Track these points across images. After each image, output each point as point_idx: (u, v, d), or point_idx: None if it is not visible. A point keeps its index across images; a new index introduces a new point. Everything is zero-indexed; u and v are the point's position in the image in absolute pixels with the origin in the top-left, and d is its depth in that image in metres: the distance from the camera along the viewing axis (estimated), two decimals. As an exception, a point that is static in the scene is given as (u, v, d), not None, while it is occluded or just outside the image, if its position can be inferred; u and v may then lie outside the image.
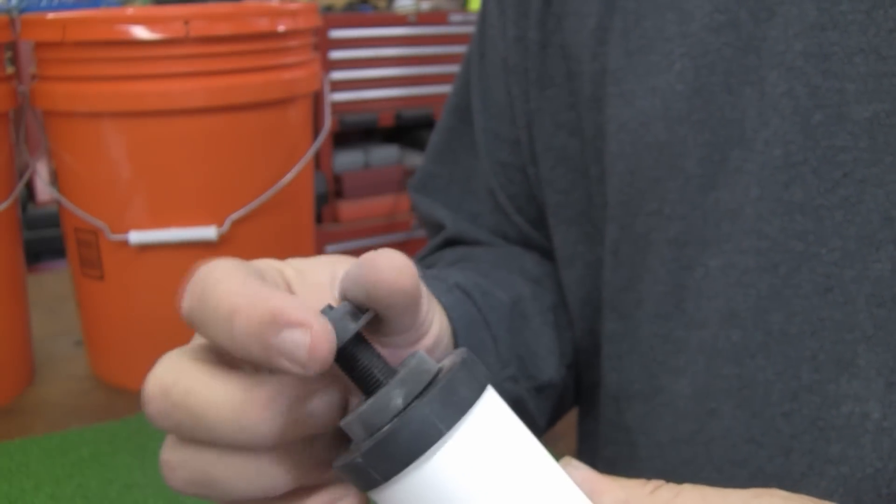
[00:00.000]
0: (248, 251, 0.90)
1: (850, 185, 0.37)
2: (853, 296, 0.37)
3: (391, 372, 0.28)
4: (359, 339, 0.28)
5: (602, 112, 0.45)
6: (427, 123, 2.36)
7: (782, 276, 0.39)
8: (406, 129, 2.37)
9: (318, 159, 2.15)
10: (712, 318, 0.41)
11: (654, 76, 0.42)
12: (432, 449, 0.26)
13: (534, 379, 0.50)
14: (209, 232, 0.86)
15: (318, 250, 2.26)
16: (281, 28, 0.87)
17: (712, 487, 0.29)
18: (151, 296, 0.89)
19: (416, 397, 0.27)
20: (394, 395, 0.27)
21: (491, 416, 0.28)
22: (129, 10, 1.01)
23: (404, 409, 0.27)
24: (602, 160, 0.46)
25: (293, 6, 0.90)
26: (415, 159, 2.33)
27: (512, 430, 0.28)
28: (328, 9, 2.35)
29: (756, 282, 0.40)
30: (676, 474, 0.43)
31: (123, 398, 0.90)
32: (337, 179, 2.23)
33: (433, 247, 0.59)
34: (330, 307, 0.28)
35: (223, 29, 0.84)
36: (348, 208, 2.23)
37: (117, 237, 0.86)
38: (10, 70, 0.89)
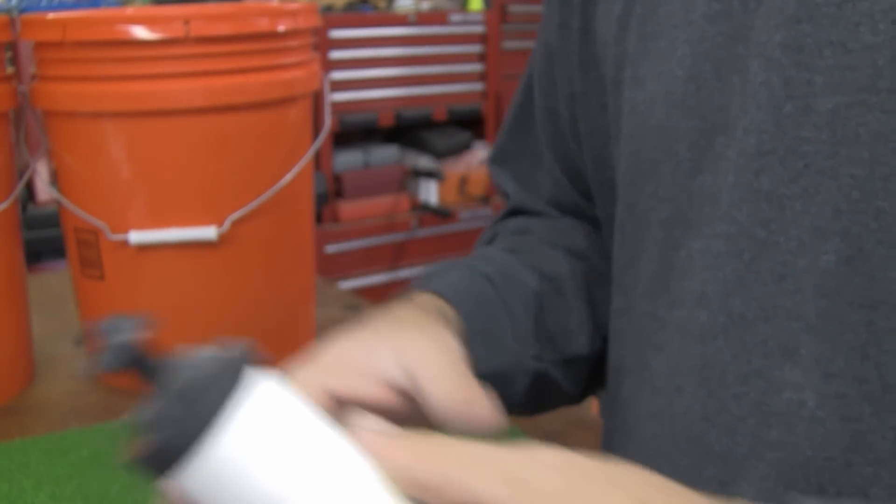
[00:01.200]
0: (248, 251, 0.91)
1: (810, 175, 0.38)
2: (802, 285, 0.39)
3: (168, 377, 0.32)
4: (141, 352, 0.33)
5: (621, 95, 0.47)
6: (427, 123, 2.36)
7: (745, 261, 0.40)
8: (406, 129, 2.37)
9: (318, 159, 2.15)
10: (688, 299, 0.43)
11: (661, 61, 0.44)
12: (191, 448, 0.30)
13: (562, 353, 0.53)
14: (209, 232, 0.86)
15: (318, 250, 2.26)
16: (281, 28, 0.87)
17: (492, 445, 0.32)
18: (151, 296, 0.89)
19: (173, 400, 0.31)
20: (160, 398, 0.31)
21: (253, 412, 0.31)
22: (129, 10, 1.01)
23: (161, 410, 0.31)
24: (619, 141, 0.48)
25: (293, 6, 0.90)
26: (415, 159, 2.33)
27: (284, 418, 0.31)
28: (328, 9, 2.35)
29: (724, 265, 0.41)
30: (645, 447, 0.46)
31: (123, 398, 0.90)
32: (337, 179, 2.23)
33: (501, 216, 0.65)
34: (116, 322, 0.32)
35: (223, 29, 0.84)
36: (348, 208, 2.23)
37: (117, 237, 0.86)
38: (10, 70, 0.89)
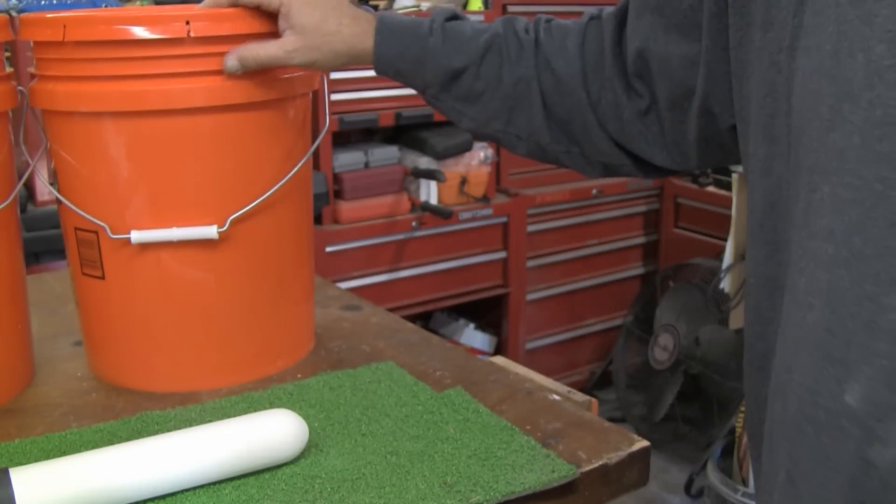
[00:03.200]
0: (248, 250, 0.90)
1: None
2: None
3: None
4: None
5: (795, 59, 0.56)
6: (427, 123, 2.35)
7: (866, 208, 0.50)
8: (406, 129, 2.37)
9: (317, 159, 2.15)
10: (819, 233, 0.53)
11: (819, 36, 0.54)
12: None
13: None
14: (210, 231, 0.86)
15: (318, 250, 2.25)
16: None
17: None
18: (152, 295, 0.89)
19: None
20: None
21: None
22: (130, 10, 1.00)
23: None
24: (790, 98, 0.57)
25: (293, 6, 0.90)
26: (415, 159, 2.33)
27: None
28: (328, 9, 2.34)
29: (848, 210, 0.51)
30: (788, 350, 0.56)
31: (123, 398, 0.90)
32: (337, 179, 2.23)
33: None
34: None
35: (224, 29, 0.84)
36: (348, 208, 2.22)
37: (118, 236, 0.86)
38: (8, 69, 0.89)
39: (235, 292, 0.91)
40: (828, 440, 0.53)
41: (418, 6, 2.32)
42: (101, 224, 0.86)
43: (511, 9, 2.45)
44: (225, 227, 0.87)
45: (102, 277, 0.89)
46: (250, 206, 0.88)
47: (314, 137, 0.97)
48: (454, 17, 0.85)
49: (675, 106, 0.76)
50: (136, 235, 0.86)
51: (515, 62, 0.82)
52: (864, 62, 0.50)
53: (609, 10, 0.82)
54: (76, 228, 0.90)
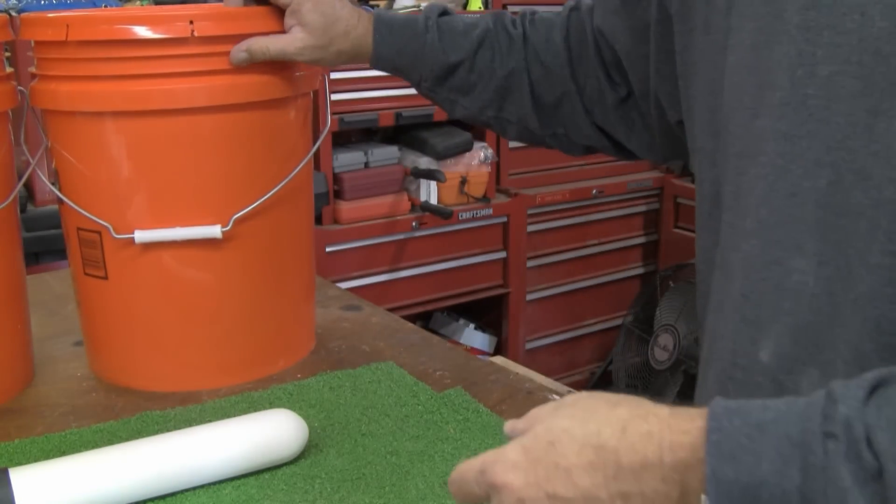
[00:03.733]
0: (250, 250, 0.90)
1: (813, 122, 0.54)
2: (807, 200, 0.54)
3: None
4: None
5: (726, 58, 0.61)
6: (427, 123, 2.35)
7: (770, 182, 0.56)
8: (406, 129, 2.37)
9: (318, 159, 2.15)
10: (749, 210, 0.58)
11: (741, 33, 0.59)
12: None
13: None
14: (214, 231, 0.86)
15: (319, 250, 2.25)
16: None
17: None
18: (154, 295, 0.89)
19: None
20: None
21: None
22: (133, 10, 1.00)
23: None
24: (723, 93, 0.62)
25: (294, 6, 0.90)
26: (415, 159, 2.32)
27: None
28: (328, 9, 2.33)
29: (758, 185, 0.56)
30: (717, 319, 0.62)
31: (123, 398, 0.90)
32: (337, 179, 2.23)
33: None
34: None
35: (226, 28, 0.84)
36: (348, 208, 2.22)
37: (122, 236, 0.86)
38: (9, 69, 0.89)
39: (237, 292, 0.91)
40: (745, 396, 0.57)
41: (418, 6, 2.32)
42: (105, 224, 0.86)
43: (511, 9, 2.45)
44: (228, 227, 0.87)
45: (105, 277, 0.89)
46: (253, 205, 0.88)
47: (315, 137, 0.97)
48: (444, 12, 0.89)
49: (645, 96, 0.80)
50: (140, 235, 0.86)
51: (507, 55, 0.87)
52: (779, 54, 0.55)
53: (589, 2, 0.86)
54: (79, 229, 0.90)
